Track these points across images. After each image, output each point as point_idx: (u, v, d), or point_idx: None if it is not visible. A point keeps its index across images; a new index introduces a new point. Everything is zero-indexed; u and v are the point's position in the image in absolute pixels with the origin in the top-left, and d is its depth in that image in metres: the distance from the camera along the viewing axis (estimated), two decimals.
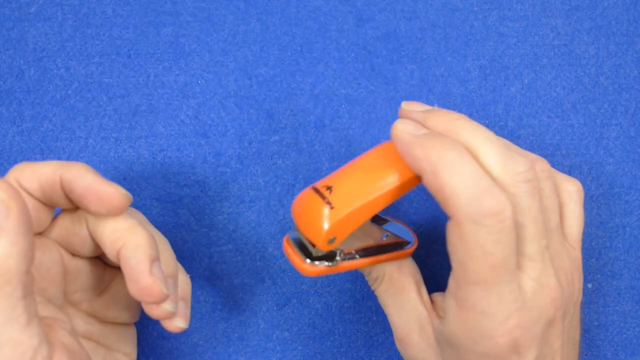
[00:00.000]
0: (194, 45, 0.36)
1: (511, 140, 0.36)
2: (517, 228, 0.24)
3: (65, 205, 0.26)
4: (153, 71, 0.35)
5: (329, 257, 0.26)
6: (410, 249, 0.29)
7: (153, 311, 0.25)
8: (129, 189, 0.34)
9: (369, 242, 0.28)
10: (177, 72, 0.35)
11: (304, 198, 0.25)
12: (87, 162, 0.34)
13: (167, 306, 0.25)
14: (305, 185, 0.35)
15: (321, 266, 0.26)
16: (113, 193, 0.24)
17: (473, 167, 0.23)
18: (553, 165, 0.36)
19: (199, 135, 0.35)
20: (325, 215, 0.24)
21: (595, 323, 0.35)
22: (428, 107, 0.26)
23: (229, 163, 0.35)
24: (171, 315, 0.26)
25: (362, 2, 0.36)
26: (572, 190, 0.28)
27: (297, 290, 0.35)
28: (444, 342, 0.26)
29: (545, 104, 0.36)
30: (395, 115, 0.36)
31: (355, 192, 0.24)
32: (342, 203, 0.24)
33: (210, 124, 0.35)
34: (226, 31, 0.36)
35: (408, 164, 0.24)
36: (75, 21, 0.36)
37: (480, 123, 0.36)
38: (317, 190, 0.25)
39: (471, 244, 0.22)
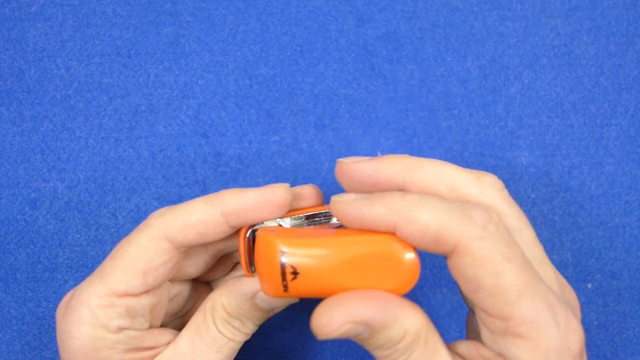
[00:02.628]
0: (194, 45, 0.36)
1: (511, 141, 0.36)
2: (517, 234, 0.23)
3: (222, 237, 0.25)
4: (153, 71, 0.35)
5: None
6: None
7: None
8: (128, 189, 0.34)
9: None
10: (177, 72, 0.35)
11: (267, 254, 0.22)
12: (87, 162, 0.34)
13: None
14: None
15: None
16: (284, 194, 0.24)
17: (436, 198, 0.21)
18: (553, 165, 0.36)
19: (199, 135, 0.35)
20: (278, 290, 0.22)
21: (595, 323, 0.35)
22: (369, 157, 0.25)
23: (229, 163, 0.35)
24: None
25: (362, 2, 0.36)
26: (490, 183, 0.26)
27: None
28: None
29: (545, 104, 0.36)
30: (395, 115, 0.36)
31: (318, 290, 0.22)
32: (298, 292, 0.22)
33: (210, 124, 0.35)
34: (226, 31, 0.36)
35: (371, 227, 0.22)
36: (75, 21, 0.36)
37: (480, 123, 0.36)
38: (282, 267, 0.22)
39: (491, 259, 0.20)
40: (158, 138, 0.35)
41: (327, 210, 0.26)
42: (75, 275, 0.34)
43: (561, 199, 0.36)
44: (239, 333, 0.26)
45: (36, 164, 0.34)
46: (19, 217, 0.34)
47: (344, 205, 0.22)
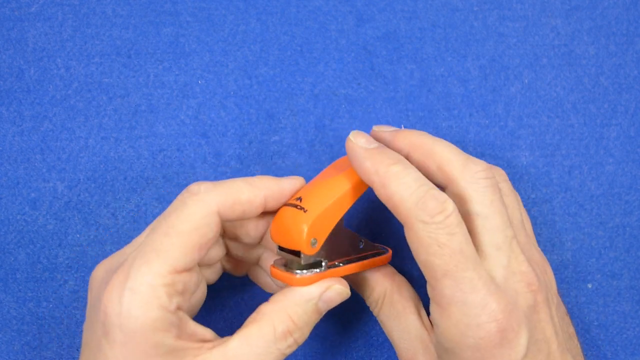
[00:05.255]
0: (194, 45, 0.36)
1: (511, 141, 0.36)
2: (481, 220, 0.26)
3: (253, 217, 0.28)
4: (153, 71, 0.35)
5: (316, 265, 0.28)
6: (387, 255, 0.31)
7: None
8: (128, 189, 0.34)
9: (349, 252, 0.30)
10: (177, 72, 0.35)
11: (280, 215, 0.28)
12: (87, 162, 0.34)
13: None
14: None
15: (310, 274, 0.27)
16: (298, 185, 0.29)
17: (416, 175, 0.26)
18: (553, 165, 0.36)
19: (199, 135, 0.35)
20: (302, 218, 0.27)
21: (595, 323, 0.35)
22: (395, 129, 0.30)
23: (229, 163, 0.35)
24: None
25: (362, 2, 0.37)
26: (500, 180, 0.30)
27: None
28: (444, 352, 0.27)
29: (545, 104, 0.36)
30: (395, 115, 0.36)
31: (322, 196, 0.27)
32: (313, 206, 0.27)
33: (210, 124, 0.35)
34: (226, 31, 0.36)
35: (360, 175, 0.27)
36: (75, 21, 0.36)
37: (480, 123, 0.36)
38: (288, 204, 0.28)
39: (427, 241, 0.25)
40: (158, 138, 0.35)
41: None
42: (75, 275, 0.34)
43: (561, 199, 0.36)
44: (295, 345, 0.27)
45: (36, 164, 0.34)
46: (19, 217, 0.34)
47: (351, 145, 0.28)
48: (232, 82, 0.36)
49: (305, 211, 0.27)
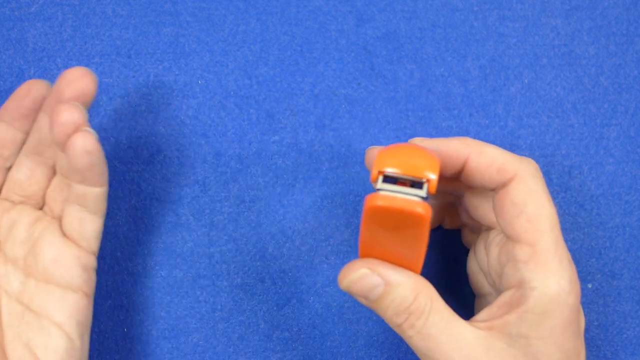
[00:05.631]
0: (194, 45, 0.36)
1: (511, 140, 0.36)
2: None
3: None
4: (153, 71, 0.35)
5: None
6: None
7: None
8: (129, 189, 0.34)
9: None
10: (177, 72, 0.35)
11: (405, 148, 0.24)
12: None
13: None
14: (305, 185, 0.35)
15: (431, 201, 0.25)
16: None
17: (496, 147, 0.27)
18: (553, 165, 0.36)
19: (199, 135, 0.35)
20: (433, 156, 0.24)
21: (595, 323, 0.35)
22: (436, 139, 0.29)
23: (229, 163, 0.35)
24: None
25: (362, 2, 0.37)
26: None
27: (297, 291, 0.35)
28: (534, 324, 0.24)
29: (545, 104, 0.36)
30: (395, 115, 0.36)
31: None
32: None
33: (210, 124, 0.35)
34: (226, 31, 0.36)
35: (452, 155, 0.26)
36: (75, 21, 0.36)
37: (480, 123, 0.36)
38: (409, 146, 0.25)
39: (539, 193, 0.25)
40: (158, 138, 0.35)
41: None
42: None
43: (561, 199, 0.36)
44: None
45: None
46: None
47: (426, 142, 0.27)
48: (232, 82, 0.36)
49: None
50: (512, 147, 0.36)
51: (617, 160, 0.36)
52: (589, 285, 0.36)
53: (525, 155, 0.36)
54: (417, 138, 0.28)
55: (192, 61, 0.36)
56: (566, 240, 0.36)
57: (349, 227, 0.35)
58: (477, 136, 0.36)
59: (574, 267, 0.26)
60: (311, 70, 0.36)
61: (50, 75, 0.35)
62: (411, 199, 0.23)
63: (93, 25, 0.36)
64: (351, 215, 0.36)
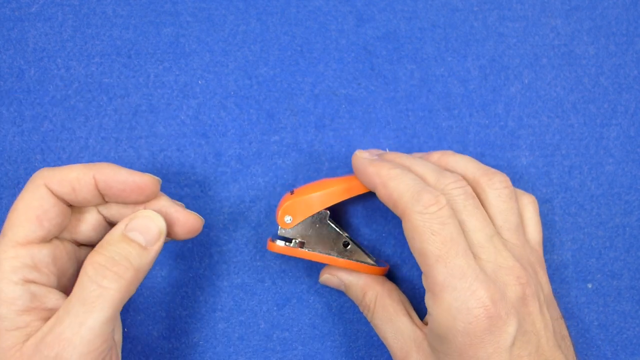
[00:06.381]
0: (194, 45, 0.36)
1: (511, 141, 0.36)
2: (460, 224, 0.28)
3: (95, 202, 0.28)
4: (153, 71, 0.35)
5: (290, 241, 0.32)
6: (377, 267, 0.32)
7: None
8: None
9: (332, 247, 0.32)
10: (177, 72, 0.35)
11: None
12: (87, 162, 0.34)
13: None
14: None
15: (280, 244, 0.31)
16: (148, 181, 0.28)
17: (412, 176, 0.29)
18: (553, 165, 0.36)
19: (199, 135, 0.35)
20: (285, 199, 0.32)
21: (595, 323, 0.35)
22: (382, 152, 0.33)
23: (229, 163, 0.35)
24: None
25: (362, 2, 0.37)
26: (527, 202, 0.32)
27: (297, 290, 0.35)
28: (437, 343, 0.28)
29: (545, 104, 0.36)
30: (395, 115, 0.36)
31: (311, 188, 0.32)
32: (300, 193, 0.32)
33: (210, 124, 0.35)
34: (226, 31, 0.36)
35: (363, 181, 0.31)
36: (75, 21, 0.36)
37: (480, 123, 0.36)
38: (289, 192, 0.33)
39: (421, 230, 0.27)
40: (158, 138, 0.35)
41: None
42: None
43: (561, 199, 0.36)
44: (119, 279, 0.27)
45: (36, 164, 0.34)
46: None
47: (355, 158, 0.31)
48: (232, 82, 0.36)
49: (291, 193, 0.32)
50: (512, 147, 0.36)
51: (617, 160, 0.36)
52: (589, 285, 0.36)
53: (525, 155, 0.36)
54: (390, 153, 0.32)
55: (192, 61, 0.36)
56: (566, 240, 0.36)
57: (348, 227, 0.36)
58: (477, 136, 0.36)
59: (478, 287, 0.26)
60: (311, 70, 0.36)
61: (50, 75, 0.35)
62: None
63: (93, 25, 0.36)
64: (351, 215, 0.36)
